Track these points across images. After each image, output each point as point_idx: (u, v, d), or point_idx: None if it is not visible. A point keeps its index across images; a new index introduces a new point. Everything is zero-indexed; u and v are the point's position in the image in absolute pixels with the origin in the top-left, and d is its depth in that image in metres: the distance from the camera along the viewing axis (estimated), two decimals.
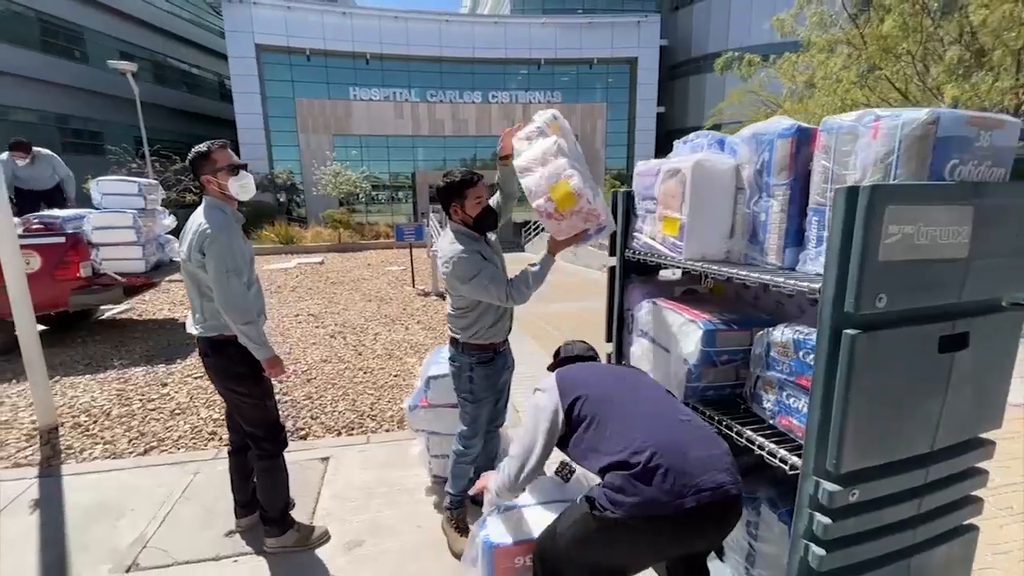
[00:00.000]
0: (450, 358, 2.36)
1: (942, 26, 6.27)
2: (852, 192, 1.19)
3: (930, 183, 1.23)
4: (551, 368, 1.96)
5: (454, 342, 2.31)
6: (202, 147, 2.09)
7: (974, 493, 1.57)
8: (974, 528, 1.59)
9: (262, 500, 2.27)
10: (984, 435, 1.55)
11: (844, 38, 7.36)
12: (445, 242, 2.19)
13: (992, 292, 1.38)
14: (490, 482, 1.75)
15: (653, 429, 1.45)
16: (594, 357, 2.05)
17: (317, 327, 6.40)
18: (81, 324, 6.48)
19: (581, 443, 1.56)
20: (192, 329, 2.15)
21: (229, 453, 2.41)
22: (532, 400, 1.73)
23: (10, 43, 18.40)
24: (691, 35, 28.57)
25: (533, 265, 2.12)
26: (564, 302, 8.37)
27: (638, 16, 26.62)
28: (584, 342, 2.10)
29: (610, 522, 1.38)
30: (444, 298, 8.23)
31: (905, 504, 1.41)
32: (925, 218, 1.22)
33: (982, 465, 1.56)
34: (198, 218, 2.04)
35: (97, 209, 5.40)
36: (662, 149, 19.68)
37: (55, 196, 6.16)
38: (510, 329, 2.39)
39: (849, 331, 1.23)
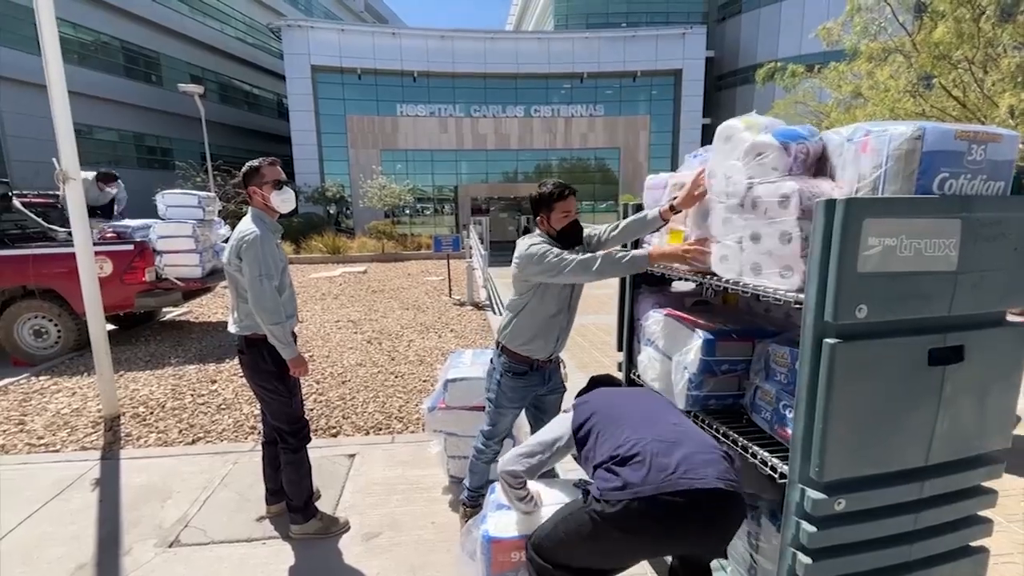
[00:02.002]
0: (491, 357, 2.45)
1: (999, 31, 5.94)
2: (830, 205, 1.22)
3: (911, 196, 1.25)
4: (579, 394, 2.08)
5: (498, 342, 2.37)
6: (255, 162, 2.33)
7: (982, 513, 1.53)
8: (983, 550, 1.54)
9: (287, 490, 2.44)
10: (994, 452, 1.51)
11: (893, 45, 7.08)
12: (523, 244, 2.18)
13: (989, 306, 1.36)
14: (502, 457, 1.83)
15: (638, 429, 1.52)
16: (614, 383, 2.13)
17: (355, 333, 6.69)
18: (146, 325, 7.06)
19: (584, 453, 1.67)
20: (231, 328, 2.37)
21: (263, 444, 2.62)
22: (562, 415, 1.91)
23: (97, 69, 20.34)
24: (739, 45, 28.04)
25: (621, 252, 2.03)
26: (597, 314, 8.37)
27: (683, 28, 26.36)
28: (608, 375, 2.19)
29: (598, 514, 1.42)
30: (478, 308, 8.42)
31: (899, 518, 1.40)
32: (908, 231, 1.24)
33: (990, 484, 1.52)
34: (241, 226, 2.26)
35: (162, 219, 5.91)
36: None
37: (106, 209, 6.77)
38: (555, 350, 2.35)
39: (829, 340, 1.25)
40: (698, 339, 1.82)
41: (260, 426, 3.23)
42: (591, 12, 30.56)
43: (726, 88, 28.84)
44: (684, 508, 1.33)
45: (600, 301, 9.80)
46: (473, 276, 9.11)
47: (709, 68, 27.11)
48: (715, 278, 1.78)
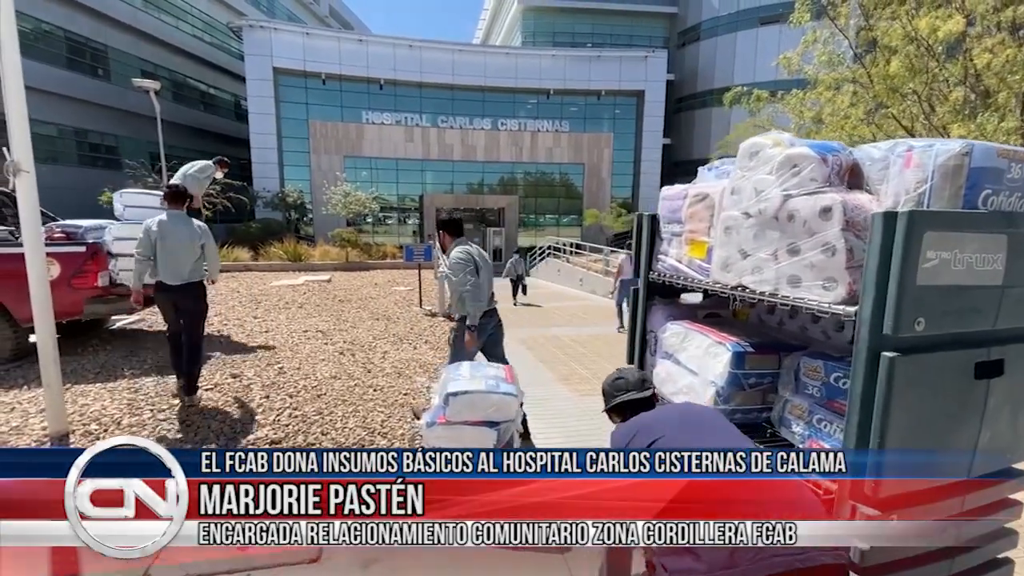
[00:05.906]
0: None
1: (947, 68, 6.45)
2: (890, 217, 1.22)
3: (966, 211, 1.27)
4: (608, 411, 1.73)
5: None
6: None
7: (1007, 526, 1.56)
8: (1009, 562, 1.57)
9: (194, 371, 3.85)
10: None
11: (851, 76, 7.55)
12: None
13: None
14: None
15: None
16: (648, 398, 1.66)
17: (326, 343, 6.40)
18: (93, 333, 6.50)
19: None
20: (186, 280, 3.78)
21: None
22: None
23: (38, 60, 18.97)
24: (697, 71, 29.33)
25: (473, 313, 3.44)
26: (569, 326, 8.39)
27: (645, 51, 27.36)
28: (634, 371, 1.76)
29: None
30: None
31: (944, 532, 1.40)
32: (961, 245, 1.25)
33: (1016, 497, 1.55)
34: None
35: (118, 220, 5.49)
36: (668, 179, 20.03)
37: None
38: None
39: (888, 353, 1.24)
40: (727, 352, 1.80)
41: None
42: (557, 31, 31.26)
43: (685, 110, 30.03)
44: None
45: (571, 313, 9.85)
46: (445, 286, 8.95)
47: (669, 91, 28.18)
48: (746, 291, 1.77)
